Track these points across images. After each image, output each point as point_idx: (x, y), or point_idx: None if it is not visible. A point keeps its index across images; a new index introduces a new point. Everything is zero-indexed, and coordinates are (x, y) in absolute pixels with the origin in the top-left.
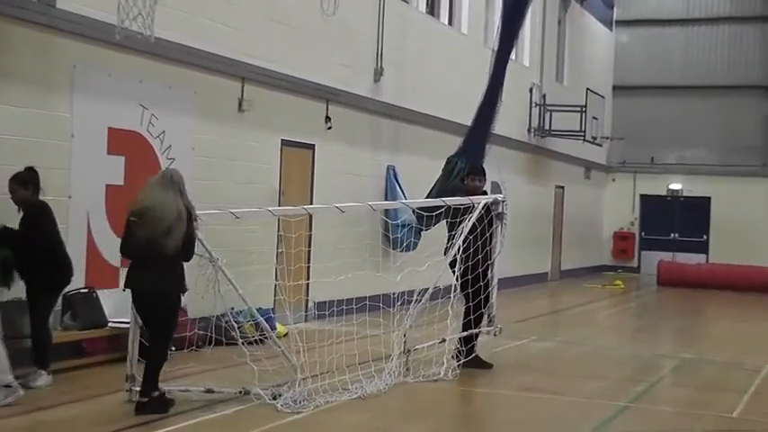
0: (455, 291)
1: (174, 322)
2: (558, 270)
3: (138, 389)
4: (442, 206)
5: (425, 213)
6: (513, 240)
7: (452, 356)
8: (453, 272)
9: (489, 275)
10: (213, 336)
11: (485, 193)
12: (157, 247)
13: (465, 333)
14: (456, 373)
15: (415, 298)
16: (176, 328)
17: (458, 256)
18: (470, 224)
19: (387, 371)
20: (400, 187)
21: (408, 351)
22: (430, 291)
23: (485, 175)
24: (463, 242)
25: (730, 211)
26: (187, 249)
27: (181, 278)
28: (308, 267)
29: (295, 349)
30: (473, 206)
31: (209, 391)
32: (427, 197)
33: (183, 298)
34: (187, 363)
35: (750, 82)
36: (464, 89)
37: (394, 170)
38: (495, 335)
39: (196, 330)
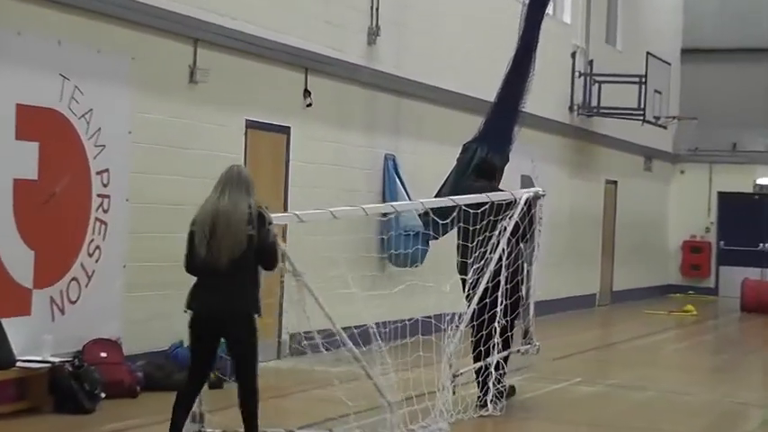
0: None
1: (255, 349)
2: (609, 291)
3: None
4: (453, 214)
5: (436, 219)
6: (551, 252)
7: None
8: (468, 290)
9: (521, 289)
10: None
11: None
12: (219, 262)
13: (500, 356)
14: (503, 407)
15: (455, 321)
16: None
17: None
18: (509, 230)
19: (436, 410)
20: (402, 183)
21: (455, 384)
22: (469, 313)
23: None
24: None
25: None
26: (264, 260)
27: (251, 297)
28: (282, 288)
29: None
30: (513, 203)
31: None
32: (437, 196)
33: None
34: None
35: None
36: (485, 54)
37: (394, 160)
38: (534, 352)
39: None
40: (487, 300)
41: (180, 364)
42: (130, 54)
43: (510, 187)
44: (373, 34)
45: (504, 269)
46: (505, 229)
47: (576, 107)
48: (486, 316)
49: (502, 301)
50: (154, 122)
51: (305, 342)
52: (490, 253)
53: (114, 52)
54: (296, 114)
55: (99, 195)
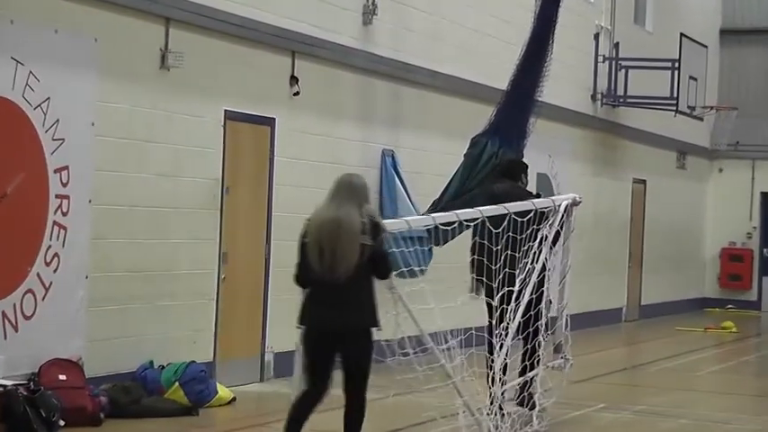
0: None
1: (370, 363)
2: (637, 305)
3: None
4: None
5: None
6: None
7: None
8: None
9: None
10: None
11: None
12: (334, 274)
13: (531, 374)
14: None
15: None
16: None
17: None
18: (550, 239)
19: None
20: (402, 181)
21: (502, 399)
22: (514, 327)
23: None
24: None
25: None
26: (379, 269)
27: (368, 310)
28: (265, 302)
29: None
30: (552, 211)
31: None
32: (441, 196)
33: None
34: None
35: None
36: (496, 35)
37: (393, 156)
38: (567, 368)
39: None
40: (531, 312)
41: (149, 387)
42: (93, 35)
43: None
44: (369, 13)
45: (546, 280)
46: (546, 237)
47: (599, 96)
48: (531, 329)
49: (545, 314)
50: (120, 113)
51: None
52: (532, 263)
53: (75, 33)
54: (281, 104)
55: (57, 196)
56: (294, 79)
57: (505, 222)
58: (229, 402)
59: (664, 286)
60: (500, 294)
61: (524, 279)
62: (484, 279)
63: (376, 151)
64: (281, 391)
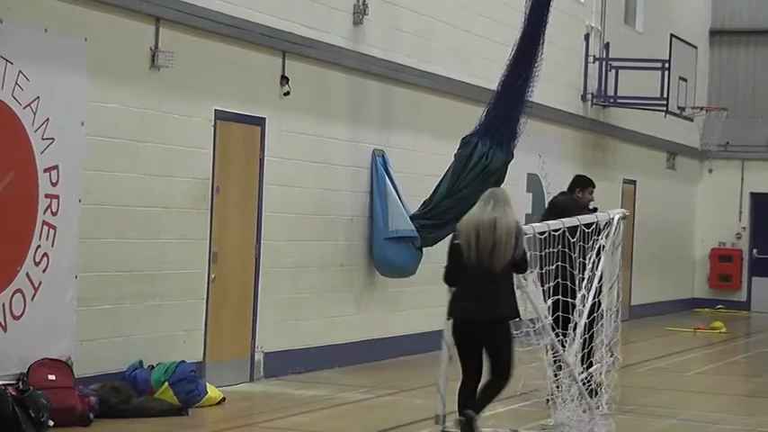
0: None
1: (512, 345)
2: (626, 305)
3: (451, 429)
4: (455, 215)
5: (430, 222)
6: None
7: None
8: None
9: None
10: None
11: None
12: (492, 270)
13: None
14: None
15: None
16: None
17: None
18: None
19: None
20: (392, 182)
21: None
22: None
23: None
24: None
25: None
26: (520, 267)
27: (515, 302)
28: (255, 302)
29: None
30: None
31: None
32: (432, 196)
33: None
34: None
35: None
36: (488, 35)
37: (383, 157)
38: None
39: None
40: (595, 314)
41: (139, 387)
42: (83, 34)
43: (517, 185)
44: (360, 13)
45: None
46: (603, 247)
47: (589, 96)
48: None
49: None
50: (110, 112)
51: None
52: (592, 270)
53: (64, 32)
54: (272, 104)
55: (47, 196)
56: (284, 79)
57: (578, 233)
58: (219, 402)
59: (654, 286)
60: (578, 295)
61: (588, 284)
62: (560, 281)
63: (366, 151)
64: (270, 390)
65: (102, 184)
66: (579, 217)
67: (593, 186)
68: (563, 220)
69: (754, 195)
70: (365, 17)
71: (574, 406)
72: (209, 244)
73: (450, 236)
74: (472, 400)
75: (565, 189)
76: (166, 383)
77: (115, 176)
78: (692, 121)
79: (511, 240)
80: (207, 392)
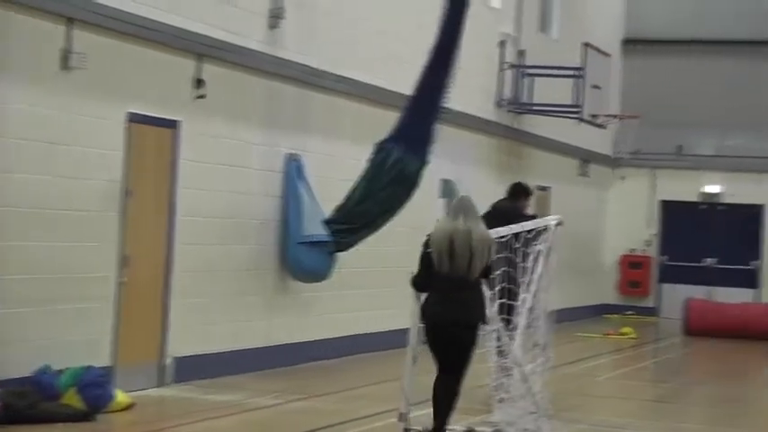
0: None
1: (473, 351)
2: None
3: (417, 428)
4: (370, 220)
5: (344, 227)
6: None
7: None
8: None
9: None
10: None
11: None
12: (467, 278)
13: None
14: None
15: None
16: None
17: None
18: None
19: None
20: (307, 187)
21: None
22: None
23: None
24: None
25: None
26: (488, 272)
27: (484, 307)
28: (166, 306)
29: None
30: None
31: None
32: (347, 201)
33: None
34: None
35: None
36: (405, 41)
37: (298, 162)
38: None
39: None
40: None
41: (45, 391)
42: None
43: (429, 193)
44: (276, 16)
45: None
46: (540, 252)
47: (504, 103)
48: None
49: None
50: (19, 114)
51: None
52: (531, 274)
53: None
54: (186, 107)
55: None
56: (199, 82)
57: (521, 239)
58: (128, 408)
59: (564, 293)
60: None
61: (528, 288)
62: (505, 285)
63: (281, 156)
64: (180, 396)
65: (11, 187)
66: (524, 223)
67: (531, 194)
68: (512, 226)
69: (664, 203)
70: (281, 21)
71: (521, 404)
72: (120, 247)
73: (423, 244)
74: (443, 401)
75: (483, 195)
76: (74, 388)
77: (25, 179)
78: (604, 128)
79: (485, 250)
80: (115, 397)
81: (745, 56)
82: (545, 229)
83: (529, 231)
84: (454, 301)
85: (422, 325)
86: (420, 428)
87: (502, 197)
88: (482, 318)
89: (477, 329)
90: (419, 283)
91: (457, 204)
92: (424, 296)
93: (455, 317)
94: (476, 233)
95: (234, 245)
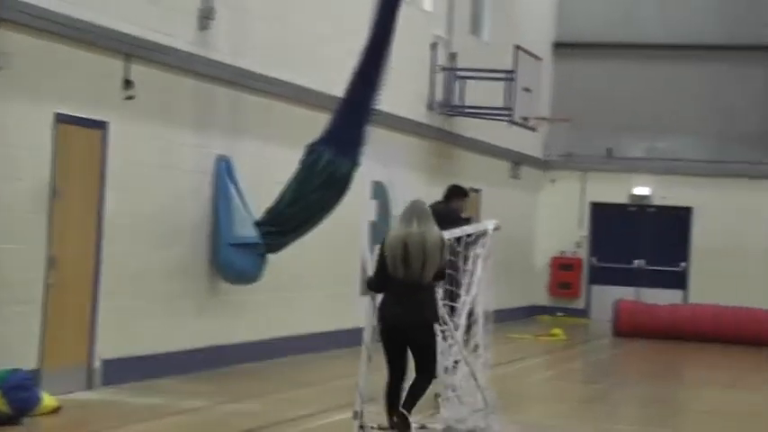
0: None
1: (435, 348)
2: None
3: (372, 425)
4: (301, 222)
5: (275, 229)
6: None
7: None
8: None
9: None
10: None
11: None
12: (421, 280)
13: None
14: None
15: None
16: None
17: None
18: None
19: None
20: (237, 189)
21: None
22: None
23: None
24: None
25: (721, 229)
26: (440, 276)
27: (436, 308)
28: (95, 308)
29: None
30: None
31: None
32: (277, 204)
33: None
34: None
35: (753, 41)
36: (337, 43)
37: (228, 164)
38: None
39: None
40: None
41: None
42: None
43: (360, 195)
44: (206, 17)
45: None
46: (478, 256)
47: (435, 105)
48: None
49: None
50: None
51: None
52: (470, 277)
53: None
54: (115, 108)
55: None
56: (128, 83)
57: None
58: (55, 411)
59: (496, 294)
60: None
61: (467, 290)
62: (447, 287)
63: (211, 157)
64: (108, 399)
65: None
66: (465, 227)
67: (467, 196)
68: (453, 231)
69: (594, 205)
70: (212, 22)
71: (468, 402)
72: (48, 248)
73: (378, 247)
74: (397, 401)
75: (415, 197)
76: None
77: None
78: (535, 131)
79: (438, 253)
80: (42, 401)
81: (674, 59)
82: (484, 233)
83: (469, 235)
84: (410, 303)
85: (379, 326)
86: (375, 426)
87: (438, 200)
88: (436, 318)
89: (433, 329)
90: (374, 285)
91: (410, 208)
92: (379, 298)
93: (411, 319)
94: (429, 237)
95: (164, 247)
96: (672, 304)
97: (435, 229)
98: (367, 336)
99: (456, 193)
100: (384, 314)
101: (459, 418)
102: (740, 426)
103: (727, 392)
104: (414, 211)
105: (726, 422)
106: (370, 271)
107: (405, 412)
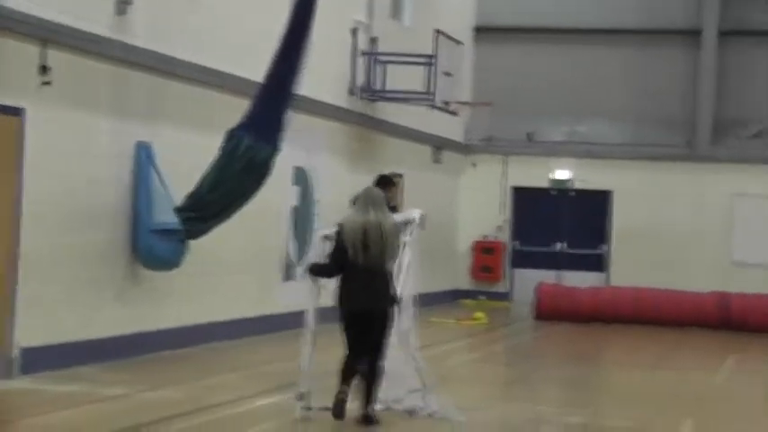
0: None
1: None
2: None
3: (316, 406)
4: (221, 208)
5: (195, 215)
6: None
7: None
8: None
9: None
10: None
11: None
12: (378, 266)
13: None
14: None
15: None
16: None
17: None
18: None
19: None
20: (158, 174)
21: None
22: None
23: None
24: None
25: (641, 212)
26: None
27: (393, 292)
28: (13, 296)
29: None
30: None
31: None
32: (198, 189)
33: None
34: None
35: (672, 25)
36: (257, 29)
37: (148, 150)
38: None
39: None
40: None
41: None
42: None
43: (282, 180)
44: (124, 2)
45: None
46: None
47: (357, 90)
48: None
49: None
50: None
51: None
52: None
53: None
54: (31, 94)
55: None
56: (44, 69)
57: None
58: None
59: (419, 279)
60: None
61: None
62: None
63: (131, 143)
64: (28, 387)
65: None
66: (397, 215)
67: (395, 185)
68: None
69: (515, 189)
70: (130, 7)
71: (404, 383)
72: None
73: (335, 233)
74: (352, 375)
75: (337, 182)
76: None
77: None
78: (456, 115)
79: (395, 240)
80: None
81: (593, 44)
82: (412, 220)
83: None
84: (372, 288)
85: (341, 310)
86: (319, 407)
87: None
88: (393, 301)
89: (391, 312)
90: (328, 270)
91: (365, 196)
92: (330, 283)
93: (375, 303)
94: (385, 225)
95: (83, 233)
96: (592, 287)
97: (390, 216)
98: (309, 318)
99: (386, 182)
100: (349, 299)
101: (395, 398)
102: (660, 406)
103: (647, 374)
104: (369, 199)
105: (646, 403)
106: (315, 257)
107: (371, 413)
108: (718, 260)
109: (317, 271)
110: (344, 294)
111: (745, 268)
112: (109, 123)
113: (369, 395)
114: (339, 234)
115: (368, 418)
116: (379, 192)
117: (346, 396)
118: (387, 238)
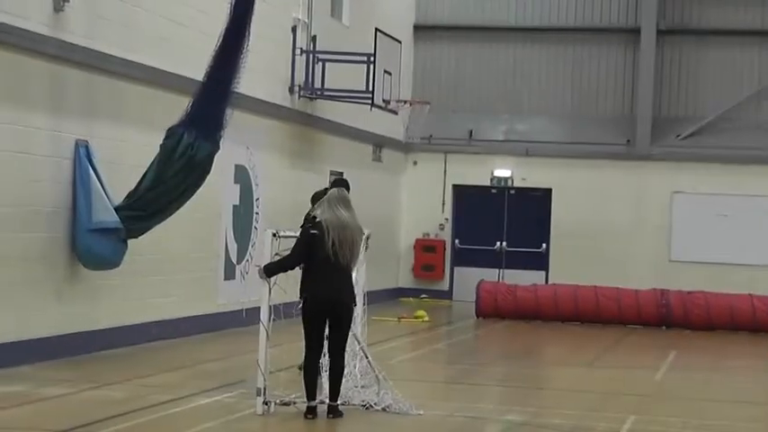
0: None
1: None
2: None
3: (277, 401)
4: (161, 206)
5: (135, 213)
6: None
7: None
8: None
9: None
10: None
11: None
12: (343, 262)
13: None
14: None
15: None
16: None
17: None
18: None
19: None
20: (96, 173)
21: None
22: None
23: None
24: None
25: (581, 210)
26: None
27: (353, 289)
28: None
29: None
30: None
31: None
32: (137, 187)
33: None
34: None
35: (612, 24)
36: (195, 26)
37: (87, 148)
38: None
39: None
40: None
41: None
42: None
43: (223, 178)
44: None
45: None
46: None
47: (297, 88)
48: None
49: None
50: None
51: None
52: None
53: None
54: None
55: None
56: None
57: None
58: None
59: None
60: None
61: None
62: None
63: (69, 142)
64: None
65: None
66: None
67: (349, 188)
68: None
69: (455, 187)
70: (66, 4)
71: (366, 378)
72: None
73: (307, 228)
74: (317, 377)
75: (277, 180)
76: None
77: None
78: (396, 114)
79: (361, 239)
80: None
81: (533, 42)
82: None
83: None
84: (340, 284)
85: (308, 305)
86: (277, 401)
87: (319, 189)
88: (355, 298)
89: (353, 309)
90: (296, 262)
91: (338, 197)
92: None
93: (338, 295)
94: (354, 224)
95: (21, 233)
96: (533, 285)
97: (356, 216)
98: (263, 314)
99: (342, 185)
100: (317, 287)
101: (349, 395)
102: (598, 403)
103: (586, 371)
104: (340, 199)
105: (584, 400)
106: (263, 255)
107: (335, 406)
108: (657, 258)
109: (275, 270)
110: (311, 284)
111: (684, 265)
112: (45, 122)
113: (333, 390)
114: (309, 229)
115: (334, 410)
116: (345, 192)
117: (316, 407)
118: (356, 237)
